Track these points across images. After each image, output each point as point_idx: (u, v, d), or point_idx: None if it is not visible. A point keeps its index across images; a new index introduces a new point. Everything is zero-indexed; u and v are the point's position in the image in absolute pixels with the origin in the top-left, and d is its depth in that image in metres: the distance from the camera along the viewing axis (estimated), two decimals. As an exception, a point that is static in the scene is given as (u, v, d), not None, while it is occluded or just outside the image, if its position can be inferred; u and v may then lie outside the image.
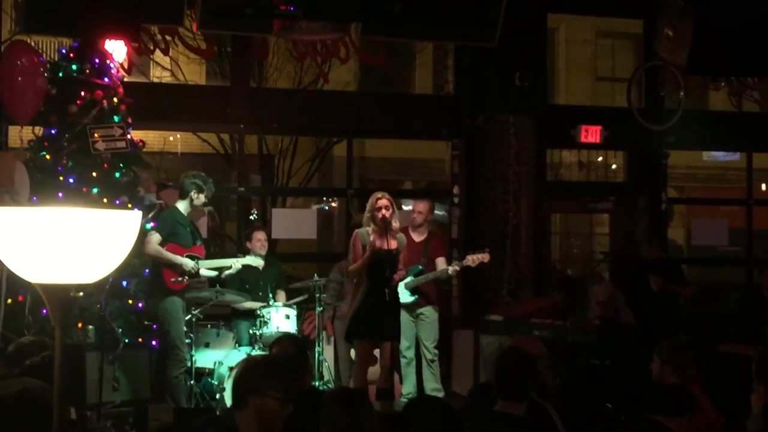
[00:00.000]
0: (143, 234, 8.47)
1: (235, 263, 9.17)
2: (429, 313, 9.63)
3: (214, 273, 9.15)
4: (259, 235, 9.94)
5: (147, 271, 9.10)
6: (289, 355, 5.50)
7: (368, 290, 8.49)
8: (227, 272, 9.21)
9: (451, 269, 9.38)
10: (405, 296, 9.31)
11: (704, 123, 12.67)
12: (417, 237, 9.66)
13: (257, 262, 9.44)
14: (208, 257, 9.26)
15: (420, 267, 9.45)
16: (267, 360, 4.53)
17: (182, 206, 8.91)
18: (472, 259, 9.33)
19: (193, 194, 8.88)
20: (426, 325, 9.64)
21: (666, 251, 11.88)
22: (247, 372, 4.15)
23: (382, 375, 8.60)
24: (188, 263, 8.79)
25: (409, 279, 9.38)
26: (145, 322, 9.12)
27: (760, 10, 8.58)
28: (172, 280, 8.76)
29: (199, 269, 8.87)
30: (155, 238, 8.69)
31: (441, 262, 9.49)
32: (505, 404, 4.89)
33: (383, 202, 8.43)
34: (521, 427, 4.86)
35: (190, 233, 9.01)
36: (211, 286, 9.68)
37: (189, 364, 8.94)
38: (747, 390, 6.02)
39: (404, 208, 14.05)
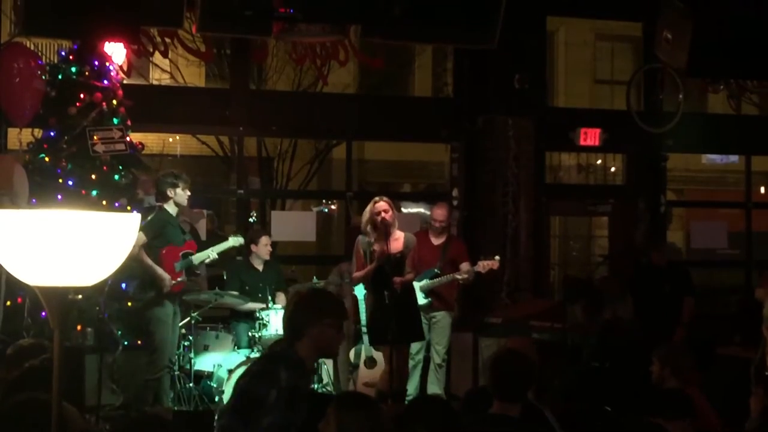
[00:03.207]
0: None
1: (211, 254, 9.07)
2: (441, 317, 9.64)
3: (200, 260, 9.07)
4: (265, 240, 9.95)
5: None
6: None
7: (374, 298, 8.51)
8: (207, 261, 9.11)
9: (461, 277, 9.39)
10: (419, 298, 9.35)
11: (703, 126, 12.67)
12: (435, 240, 9.68)
13: (237, 241, 9.40)
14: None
15: (436, 270, 9.46)
16: (317, 293, 5.00)
17: (170, 207, 8.83)
18: (483, 266, 9.37)
19: (170, 192, 8.80)
20: (439, 329, 9.65)
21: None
22: (300, 307, 4.58)
23: (396, 376, 8.61)
24: (167, 283, 8.68)
25: (423, 282, 9.39)
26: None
27: (760, 13, 8.58)
28: (176, 282, 8.74)
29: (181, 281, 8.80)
30: (139, 237, 8.55)
31: (465, 266, 9.48)
32: (502, 405, 4.89)
33: (382, 205, 8.44)
34: (516, 428, 4.86)
35: (180, 231, 8.98)
36: (210, 287, 9.68)
37: (173, 369, 8.90)
38: (746, 393, 6.03)
39: (403, 210, 14.09)
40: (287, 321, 4.63)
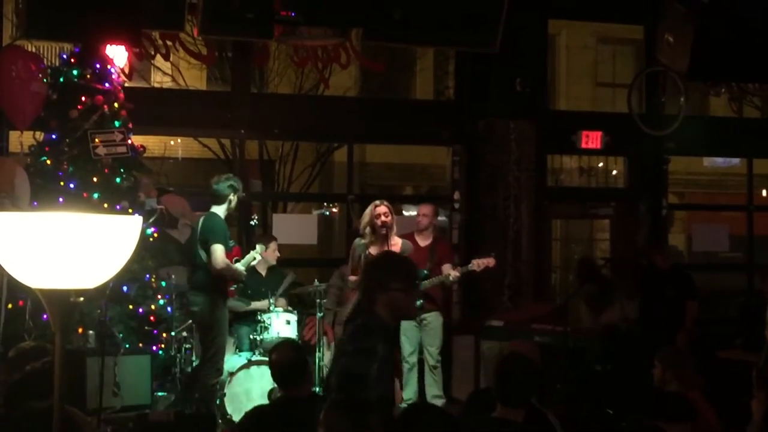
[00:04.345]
0: (143, 239, 8.46)
1: (256, 255, 9.13)
2: (433, 318, 9.61)
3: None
4: (274, 246, 9.98)
5: (147, 276, 9.10)
6: (289, 360, 5.50)
7: None
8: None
9: (452, 275, 9.36)
10: None
11: (705, 129, 12.67)
12: (422, 242, 9.64)
13: (262, 248, 9.45)
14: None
15: (425, 272, 9.44)
16: (383, 258, 4.92)
17: (221, 211, 8.73)
18: (477, 264, 9.30)
19: (231, 196, 8.77)
20: (430, 330, 9.62)
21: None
22: (369, 274, 4.67)
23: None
24: (243, 271, 8.82)
25: None
26: (146, 327, 9.11)
27: (761, 16, 8.58)
28: (232, 288, 8.79)
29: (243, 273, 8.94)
30: (221, 250, 8.52)
31: (447, 268, 9.45)
32: (505, 410, 4.88)
33: (382, 209, 8.44)
34: (519, 432, 4.85)
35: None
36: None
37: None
38: (748, 396, 6.02)
39: (405, 213, 14.09)
40: (361, 290, 4.69)
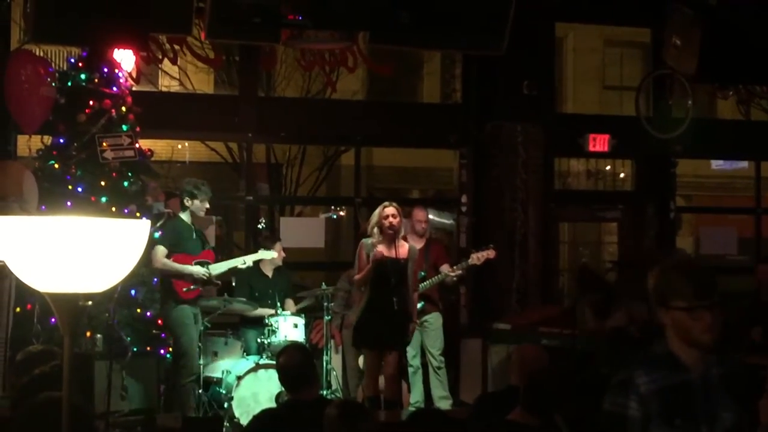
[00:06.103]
0: (151, 244, 8.50)
1: (247, 260, 9.20)
2: (433, 320, 9.63)
3: (223, 270, 9.23)
4: (279, 246, 10.00)
5: (155, 280, 9.12)
6: (297, 364, 5.51)
7: (371, 299, 8.49)
8: (240, 267, 9.26)
9: (454, 273, 9.37)
10: None
11: (712, 131, 12.65)
12: (417, 244, 9.66)
13: (270, 254, 9.48)
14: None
15: (422, 273, 9.45)
16: (662, 271, 3.79)
17: (184, 215, 9.05)
18: (477, 257, 9.32)
19: (186, 201, 9.00)
20: (431, 332, 9.64)
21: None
22: (652, 291, 3.75)
23: (387, 385, 8.59)
24: (198, 271, 8.87)
25: None
26: (154, 331, 9.14)
27: (768, 19, 8.58)
28: (184, 289, 8.86)
29: (210, 275, 8.92)
30: (160, 250, 8.80)
31: (445, 267, 9.48)
32: (524, 414, 4.90)
33: (391, 210, 8.44)
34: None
35: (197, 240, 9.07)
36: (220, 294, 9.69)
37: (200, 373, 8.97)
38: (755, 398, 6.00)
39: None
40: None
